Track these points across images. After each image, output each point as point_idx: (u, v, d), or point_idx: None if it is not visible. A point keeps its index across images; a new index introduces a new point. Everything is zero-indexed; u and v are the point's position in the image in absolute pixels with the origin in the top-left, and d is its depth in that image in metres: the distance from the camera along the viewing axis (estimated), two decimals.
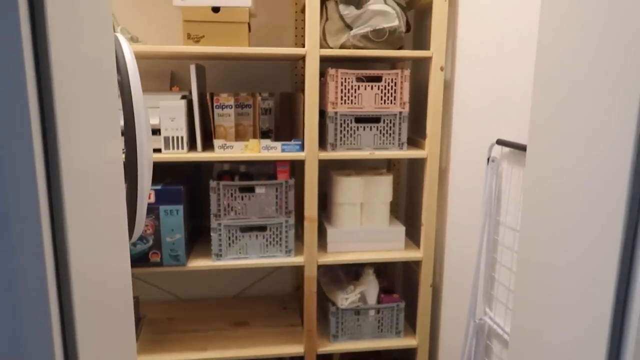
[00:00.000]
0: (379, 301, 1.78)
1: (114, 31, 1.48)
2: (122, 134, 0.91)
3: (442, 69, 1.60)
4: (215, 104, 1.64)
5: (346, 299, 1.72)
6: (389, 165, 2.04)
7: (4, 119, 0.47)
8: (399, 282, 2.12)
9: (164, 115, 1.53)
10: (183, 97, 1.59)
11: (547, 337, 0.76)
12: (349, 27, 1.57)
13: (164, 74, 1.87)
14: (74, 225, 0.55)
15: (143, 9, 1.79)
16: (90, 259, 0.62)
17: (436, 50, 1.59)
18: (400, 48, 1.64)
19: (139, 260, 1.56)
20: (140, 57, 1.80)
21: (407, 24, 1.68)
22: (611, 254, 0.62)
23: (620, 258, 0.61)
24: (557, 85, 0.73)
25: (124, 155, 0.92)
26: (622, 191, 0.59)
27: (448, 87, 1.66)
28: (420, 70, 1.88)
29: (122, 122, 0.93)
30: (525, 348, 0.83)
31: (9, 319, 0.51)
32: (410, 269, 1.98)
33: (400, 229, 1.75)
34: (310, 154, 1.59)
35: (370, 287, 1.77)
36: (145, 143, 0.89)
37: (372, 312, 1.77)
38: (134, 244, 1.54)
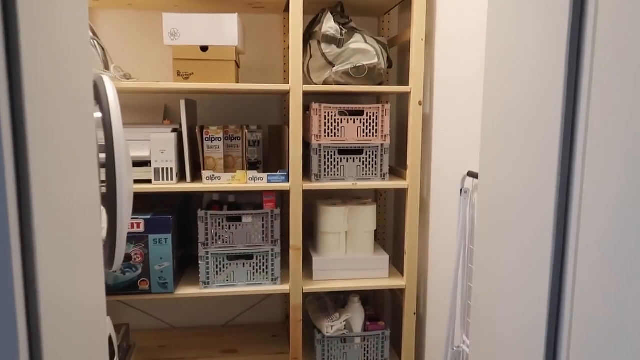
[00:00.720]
0: (364, 329, 1.81)
1: (108, 69, 1.58)
2: (103, 166, 0.98)
3: (420, 103, 1.67)
4: (205, 137, 1.71)
5: (332, 326, 1.75)
6: (376, 195, 2.09)
7: None
8: (387, 309, 2.15)
9: (155, 147, 1.61)
10: (174, 130, 1.67)
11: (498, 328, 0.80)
12: (332, 64, 1.65)
13: (158, 108, 1.95)
14: (44, 252, 0.61)
15: (136, 47, 1.89)
16: (60, 286, 0.67)
17: (414, 85, 1.66)
18: (380, 84, 1.72)
19: (128, 287, 1.61)
20: (133, 93, 1.89)
21: (389, 61, 1.76)
22: (544, 259, 0.67)
23: (552, 263, 0.66)
24: (496, 120, 0.79)
25: (104, 188, 0.98)
26: (550, 204, 0.65)
27: (427, 120, 1.73)
28: (403, 104, 1.96)
29: (103, 155, 1.00)
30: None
31: None
32: (397, 296, 2.02)
33: (384, 257, 1.80)
34: (294, 184, 1.65)
35: (355, 315, 1.80)
36: (125, 175, 0.95)
37: (357, 340, 1.79)
38: (122, 272, 1.59)
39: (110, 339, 1.36)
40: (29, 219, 0.59)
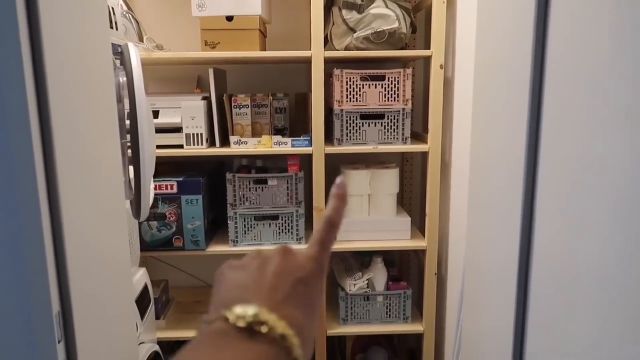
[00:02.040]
0: (387, 288, 1.88)
1: (141, 40, 1.68)
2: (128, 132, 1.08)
3: (441, 67, 1.69)
4: (233, 104, 1.80)
5: (354, 284, 1.83)
6: (402, 160, 2.13)
7: (9, 120, 0.63)
8: (412, 272, 2.20)
9: (185, 114, 1.71)
10: (204, 98, 1.76)
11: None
12: (352, 30, 1.68)
13: (191, 78, 2.06)
14: (69, 205, 0.71)
15: (167, 20, 1.99)
16: (85, 234, 0.77)
17: (435, 49, 1.68)
18: (402, 48, 1.74)
19: (164, 244, 1.74)
20: (165, 63, 2.00)
21: (412, 25, 1.77)
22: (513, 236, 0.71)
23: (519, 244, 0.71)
24: (484, 109, 0.83)
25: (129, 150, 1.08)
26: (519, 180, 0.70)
27: (449, 84, 1.74)
28: (428, 68, 1.96)
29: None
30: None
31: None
32: (420, 258, 2.06)
33: (406, 220, 1.84)
34: (317, 148, 1.72)
35: (378, 275, 1.87)
36: (146, 134, 1.05)
37: (380, 298, 1.87)
38: (158, 230, 1.72)
39: (146, 289, 1.50)
40: (54, 177, 0.69)
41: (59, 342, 0.67)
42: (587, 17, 0.57)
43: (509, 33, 0.77)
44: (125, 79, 1.08)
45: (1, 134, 0.64)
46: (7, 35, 0.61)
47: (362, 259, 1.99)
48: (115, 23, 1.29)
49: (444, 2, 1.65)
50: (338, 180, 0.46)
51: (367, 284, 1.85)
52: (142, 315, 1.39)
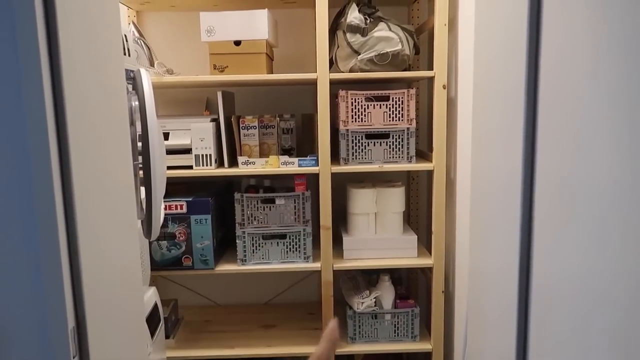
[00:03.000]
0: (395, 306, 1.89)
1: (152, 65, 1.73)
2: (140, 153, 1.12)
3: (444, 87, 1.72)
4: (241, 125, 1.84)
5: (362, 302, 1.84)
6: (408, 178, 2.15)
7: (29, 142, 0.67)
8: (420, 289, 2.21)
9: (195, 136, 1.75)
10: (212, 120, 1.81)
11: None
12: (357, 52, 1.73)
13: (200, 100, 2.11)
14: (85, 223, 0.74)
15: (177, 45, 2.05)
16: (100, 252, 0.80)
17: (438, 70, 1.72)
18: (405, 69, 1.78)
19: (173, 263, 1.77)
20: (175, 87, 2.05)
21: (415, 47, 1.82)
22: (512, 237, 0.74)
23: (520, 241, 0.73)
24: (484, 121, 0.86)
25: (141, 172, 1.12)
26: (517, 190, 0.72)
27: (452, 103, 1.77)
28: (432, 88, 2.00)
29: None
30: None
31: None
32: (428, 276, 2.07)
33: (412, 238, 1.86)
34: (323, 167, 1.75)
35: (385, 293, 1.88)
36: (157, 156, 1.08)
37: (388, 317, 1.87)
38: (168, 249, 1.75)
39: (156, 308, 1.52)
40: (71, 198, 0.72)
41: (73, 357, 0.70)
42: (577, 37, 0.60)
43: (503, 54, 0.81)
44: (137, 103, 1.13)
45: (22, 156, 0.67)
46: (30, 64, 0.66)
47: (369, 277, 2.00)
48: (128, 49, 1.35)
49: (445, 25, 1.69)
50: (331, 324, 0.49)
51: (375, 302, 1.86)
52: (152, 334, 1.41)
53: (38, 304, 0.69)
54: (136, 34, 1.86)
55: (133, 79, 1.18)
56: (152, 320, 1.45)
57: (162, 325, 1.55)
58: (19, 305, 0.69)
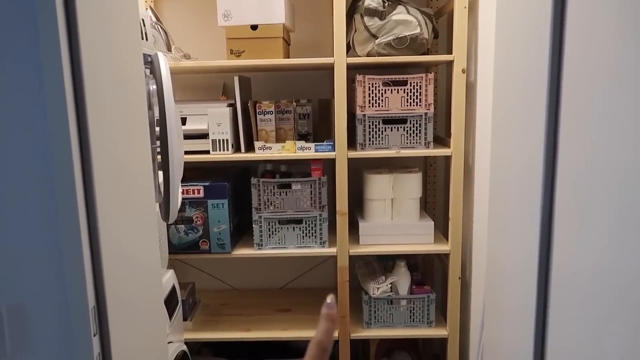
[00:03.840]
0: (410, 292, 1.89)
1: (170, 50, 1.74)
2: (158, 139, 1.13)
3: (463, 71, 1.70)
4: (258, 110, 1.84)
5: (377, 288, 1.84)
6: (426, 164, 2.14)
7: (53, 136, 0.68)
8: (436, 276, 2.20)
9: (212, 120, 1.76)
10: (229, 105, 1.81)
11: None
12: (375, 36, 1.71)
13: (217, 86, 2.11)
14: (104, 205, 0.75)
15: (194, 30, 2.05)
16: (119, 233, 0.81)
17: (457, 54, 1.69)
18: (424, 53, 1.75)
19: (190, 247, 1.79)
20: (192, 72, 2.05)
21: (434, 31, 1.79)
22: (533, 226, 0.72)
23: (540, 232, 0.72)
24: (506, 112, 0.84)
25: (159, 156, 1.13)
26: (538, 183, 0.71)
27: (471, 88, 1.75)
28: (451, 73, 1.97)
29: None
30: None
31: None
32: (444, 263, 2.06)
33: (429, 224, 1.85)
34: (340, 153, 1.74)
35: (401, 279, 1.88)
36: (175, 139, 1.09)
37: (403, 302, 1.87)
38: (185, 233, 1.77)
39: (174, 290, 1.54)
40: (91, 181, 0.73)
41: (94, 335, 0.71)
42: (604, 19, 0.58)
43: (526, 37, 0.79)
44: (155, 87, 1.13)
45: (43, 140, 0.68)
46: (50, 51, 0.66)
47: (385, 263, 2.00)
48: (146, 34, 1.35)
49: (465, 7, 1.66)
50: (328, 299, 0.47)
51: (391, 288, 1.86)
52: (170, 316, 1.43)
53: (59, 283, 0.70)
54: (153, 18, 1.86)
55: (151, 63, 1.19)
56: (170, 302, 1.47)
57: (180, 307, 1.57)
58: (41, 285, 0.70)
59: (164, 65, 1.15)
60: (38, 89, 0.68)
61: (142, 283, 0.95)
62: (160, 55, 1.18)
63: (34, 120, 0.68)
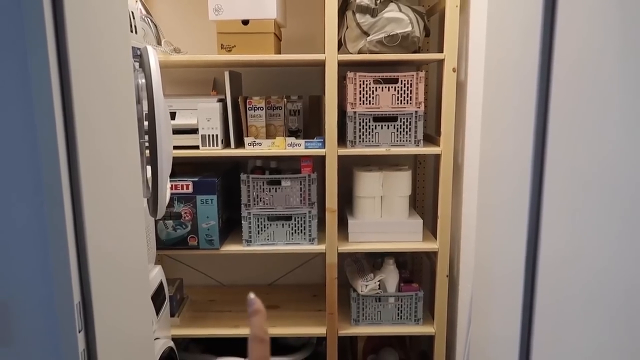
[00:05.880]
0: (398, 290, 1.89)
1: (159, 44, 1.72)
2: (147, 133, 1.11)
3: (454, 70, 1.70)
4: (248, 106, 1.83)
5: (366, 285, 1.85)
6: (415, 162, 2.14)
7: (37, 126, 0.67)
8: (423, 273, 2.21)
9: (201, 116, 1.74)
10: (219, 101, 1.80)
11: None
12: (366, 33, 1.71)
13: (208, 81, 2.10)
14: (91, 200, 0.74)
15: (185, 23, 2.04)
16: (106, 229, 0.80)
17: (448, 52, 1.69)
18: (415, 51, 1.75)
19: (179, 243, 1.78)
20: (182, 66, 2.04)
21: (426, 29, 1.79)
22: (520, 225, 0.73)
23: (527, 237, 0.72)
24: (495, 114, 0.84)
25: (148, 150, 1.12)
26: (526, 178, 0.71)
27: (462, 87, 1.75)
28: (441, 71, 1.98)
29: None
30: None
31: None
32: (433, 261, 2.07)
33: (418, 222, 1.86)
34: (330, 150, 1.74)
35: (389, 276, 1.88)
36: (163, 131, 1.08)
37: (391, 300, 1.88)
38: (174, 229, 1.76)
39: (161, 286, 1.53)
40: (77, 175, 0.72)
41: (79, 331, 0.70)
42: (594, 20, 0.59)
43: (517, 38, 0.79)
44: (144, 81, 1.12)
45: (30, 138, 0.67)
46: (36, 41, 0.65)
47: (374, 261, 2.00)
48: (135, 27, 1.33)
49: (457, 7, 1.67)
50: (250, 296, 0.48)
51: (379, 285, 1.87)
52: (157, 312, 1.42)
53: (45, 279, 0.69)
54: (143, 11, 1.84)
55: (140, 57, 1.17)
56: (158, 298, 1.46)
57: (167, 303, 1.56)
58: (26, 280, 0.69)
59: (153, 59, 1.14)
60: (23, 80, 0.67)
61: (129, 279, 0.94)
62: (150, 49, 1.17)
63: (19, 113, 0.67)
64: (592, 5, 0.59)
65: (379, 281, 1.86)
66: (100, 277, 0.76)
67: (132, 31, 1.30)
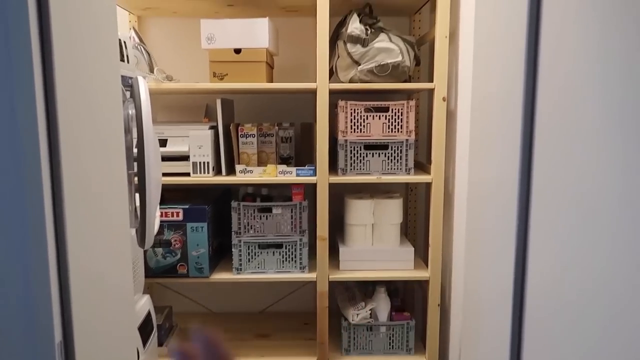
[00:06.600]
0: (390, 319, 1.88)
1: (152, 72, 1.73)
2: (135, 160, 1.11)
3: (444, 99, 1.72)
4: (240, 133, 1.83)
5: (357, 314, 1.83)
6: (407, 190, 2.14)
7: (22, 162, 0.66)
8: (417, 302, 2.19)
9: (193, 143, 1.74)
10: (211, 128, 1.80)
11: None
12: (357, 63, 1.73)
13: (200, 107, 2.10)
14: (75, 234, 0.73)
15: (178, 51, 2.05)
16: (90, 263, 0.79)
17: (438, 82, 1.71)
18: (405, 81, 1.77)
19: (168, 271, 1.76)
20: (174, 93, 2.05)
21: (416, 58, 1.81)
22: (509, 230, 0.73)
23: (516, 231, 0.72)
24: (481, 123, 0.85)
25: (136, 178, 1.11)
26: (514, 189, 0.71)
27: (452, 116, 1.77)
28: (432, 100, 1.99)
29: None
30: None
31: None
32: (424, 289, 2.06)
33: (409, 250, 1.85)
34: (321, 178, 1.74)
35: (381, 305, 1.87)
36: (152, 162, 1.07)
37: (383, 329, 1.86)
38: (163, 257, 1.74)
39: (149, 316, 1.51)
40: (61, 207, 0.71)
41: None
42: (576, 50, 0.60)
43: (502, 70, 0.80)
44: (134, 111, 1.12)
45: (12, 160, 0.66)
46: (22, 67, 0.65)
47: (365, 289, 1.99)
48: (127, 56, 1.34)
49: (446, 37, 1.69)
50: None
51: (370, 314, 1.85)
52: (144, 342, 1.39)
53: (25, 317, 0.68)
54: (136, 39, 1.85)
55: (131, 87, 1.18)
56: (145, 328, 1.43)
57: (155, 333, 1.54)
58: (4, 317, 0.68)
59: (144, 90, 1.14)
60: (9, 108, 0.66)
61: (114, 313, 0.93)
62: (141, 80, 1.17)
63: (4, 142, 0.67)
64: (573, 33, 0.60)
65: (370, 310, 1.84)
66: (83, 313, 0.75)
67: (123, 60, 1.31)
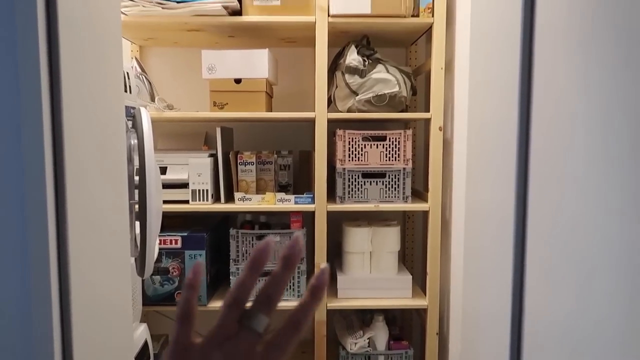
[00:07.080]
0: (388, 348, 1.86)
1: (153, 101, 1.76)
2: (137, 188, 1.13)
3: (440, 129, 1.75)
4: (239, 161, 1.85)
5: (355, 343, 1.82)
6: (404, 218, 2.16)
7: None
8: (415, 330, 2.18)
9: (192, 170, 1.76)
10: (210, 155, 1.82)
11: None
12: (355, 93, 1.76)
13: (199, 135, 2.13)
14: (78, 266, 0.74)
15: (179, 81, 2.09)
16: (91, 293, 0.80)
17: (434, 112, 1.74)
18: (402, 110, 1.80)
19: (166, 299, 1.75)
20: (175, 122, 2.07)
21: (413, 89, 1.85)
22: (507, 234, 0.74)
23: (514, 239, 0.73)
24: (478, 127, 0.87)
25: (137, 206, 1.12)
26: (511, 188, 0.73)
27: (448, 145, 1.79)
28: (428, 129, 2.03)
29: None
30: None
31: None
32: (423, 317, 2.05)
33: (407, 278, 1.85)
34: (319, 205, 1.75)
35: (379, 334, 1.86)
36: (153, 193, 1.09)
37: (381, 358, 1.85)
38: (161, 284, 1.74)
39: (146, 345, 1.50)
40: (65, 237, 0.73)
41: None
42: (569, 77, 0.62)
43: (497, 100, 0.82)
44: (136, 141, 1.14)
45: (17, 192, 0.68)
46: (31, 105, 0.67)
47: (363, 317, 1.98)
48: (130, 87, 1.37)
49: (442, 68, 1.73)
50: (322, 265, 0.42)
51: (368, 343, 1.84)
52: None
53: (25, 343, 0.68)
54: (138, 69, 1.89)
55: (133, 117, 1.20)
56: (142, 357, 1.42)
57: None
58: (5, 345, 0.68)
59: (147, 121, 1.16)
60: (14, 139, 0.68)
61: (113, 342, 0.93)
62: (143, 111, 1.19)
63: (6, 167, 0.68)
64: (568, 64, 0.63)
65: (368, 339, 1.83)
66: (83, 339, 0.75)
67: (126, 91, 1.34)
